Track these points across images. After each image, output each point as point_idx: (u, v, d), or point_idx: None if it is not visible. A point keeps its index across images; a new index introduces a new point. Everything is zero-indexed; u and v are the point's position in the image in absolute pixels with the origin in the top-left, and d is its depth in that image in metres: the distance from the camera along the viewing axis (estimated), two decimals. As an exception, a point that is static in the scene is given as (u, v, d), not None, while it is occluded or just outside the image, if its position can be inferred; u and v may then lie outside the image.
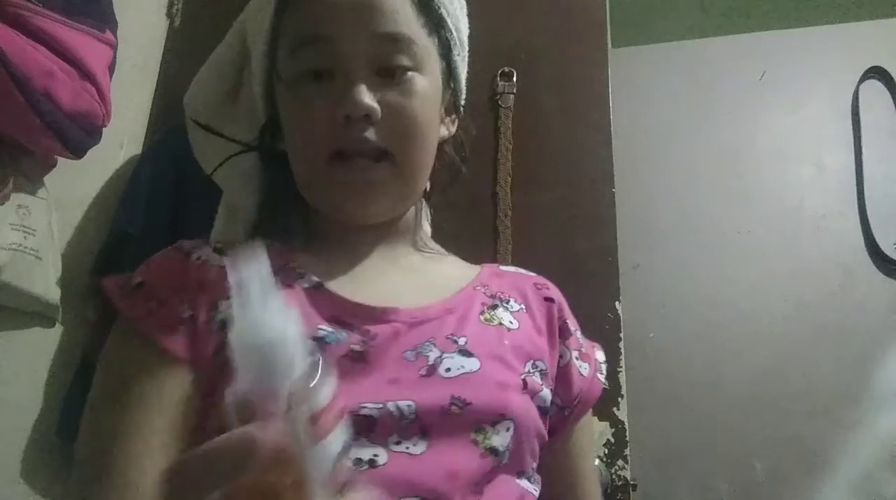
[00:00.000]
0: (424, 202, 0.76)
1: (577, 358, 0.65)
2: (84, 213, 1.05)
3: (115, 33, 0.91)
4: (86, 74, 0.83)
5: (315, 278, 0.62)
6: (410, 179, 0.65)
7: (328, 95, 0.61)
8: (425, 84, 0.64)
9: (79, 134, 0.85)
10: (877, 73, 1.49)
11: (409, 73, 0.62)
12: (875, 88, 1.50)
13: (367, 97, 0.60)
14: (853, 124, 1.48)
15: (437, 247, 0.75)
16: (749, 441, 1.29)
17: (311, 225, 0.70)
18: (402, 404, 0.53)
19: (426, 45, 0.64)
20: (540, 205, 1.05)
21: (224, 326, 0.56)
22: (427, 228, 0.77)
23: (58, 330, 0.99)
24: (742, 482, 1.28)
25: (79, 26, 0.83)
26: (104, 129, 0.90)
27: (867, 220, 1.40)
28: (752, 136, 1.53)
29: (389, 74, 0.62)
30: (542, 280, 0.71)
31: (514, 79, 1.11)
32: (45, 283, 0.92)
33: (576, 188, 1.05)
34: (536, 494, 0.58)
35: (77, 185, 1.03)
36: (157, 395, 0.54)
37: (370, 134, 0.60)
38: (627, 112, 1.29)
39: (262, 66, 0.69)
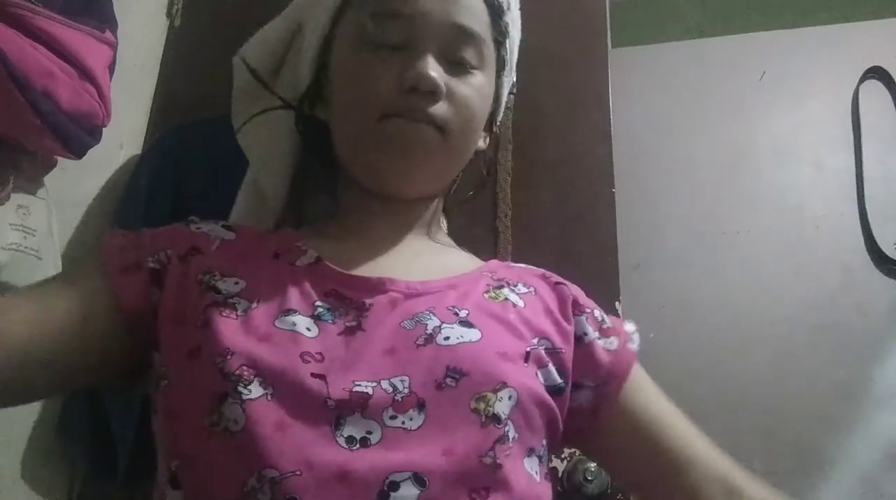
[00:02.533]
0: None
1: (598, 338, 0.65)
2: (84, 213, 1.05)
3: (115, 33, 0.91)
4: (86, 74, 0.83)
5: (314, 254, 0.63)
6: (453, 159, 0.67)
7: (396, 62, 0.62)
8: (486, 85, 0.67)
9: (79, 134, 0.85)
10: (877, 73, 1.49)
11: (475, 70, 0.65)
12: (875, 88, 1.50)
13: (438, 74, 0.62)
14: (853, 124, 1.48)
15: (450, 241, 0.75)
16: (749, 441, 1.29)
17: (339, 200, 0.71)
18: (396, 380, 0.53)
19: (492, 53, 0.68)
20: (540, 205, 1.05)
21: (216, 291, 0.58)
22: (443, 224, 0.78)
23: (58, 330, 0.99)
24: (742, 482, 1.28)
25: (79, 26, 0.83)
26: (104, 129, 0.90)
27: (867, 220, 1.40)
28: (752, 136, 1.52)
29: (458, 64, 0.64)
30: (551, 274, 0.71)
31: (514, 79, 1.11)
32: (45, 283, 0.91)
33: (576, 188, 1.05)
34: (541, 473, 0.57)
35: (77, 185, 1.03)
36: (67, 290, 0.58)
37: (431, 109, 0.62)
38: (627, 112, 1.29)
39: (322, 31, 0.70)
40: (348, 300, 0.58)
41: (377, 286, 0.59)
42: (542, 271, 0.71)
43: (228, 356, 0.52)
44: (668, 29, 1.74)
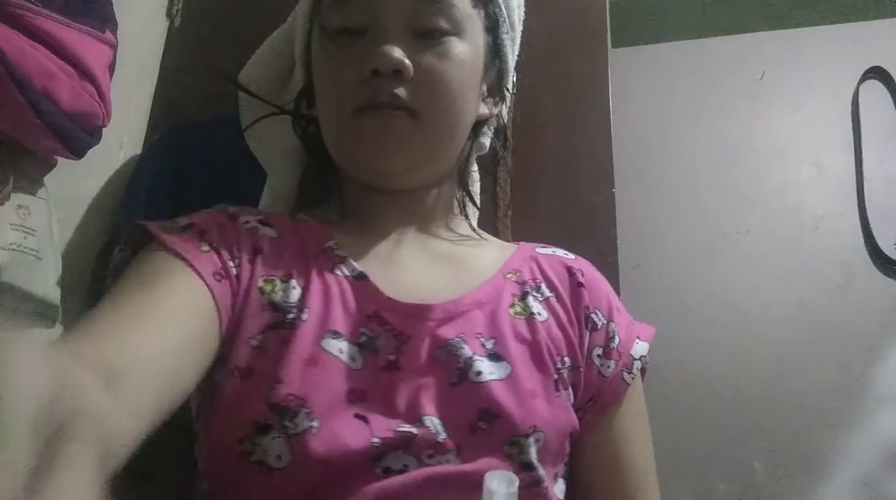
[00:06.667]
0: (474, 179, 0.77)
1: (599, 355, 0.64)
2: (84, 213, 1.05)
3: (115, 33, 0.91)
4: (86, 74, 0.83)
5: (357, 267, 0.61)
6: (434, 140, 0.64)
7: (359, 49, 0.61)
8: (464, 50, 0.63)
9: (79, 134, 0.85)
10: (877, 73, 1.49)
11: (447, 37, 0.62)
12: (875, 88, 1.50)
13: (398, 52, 0.60)
14: (853, 124, 1.48)
15: (468, 230, 0.74)
16: (749, 441, 1.29)
17: (344, 197, 0.71)
18: (435, 421, 0.53)
19: (469, 12, 0.64)
20: (540, 205, 1.05)
21: (275, 308, 0.56)
22: (473, 213, 0.78)
23: (58, 330, 0.99)
24: (742, 483, 1.27)
25: (79, 26, 0.83)
26: (104, 129, 0.90)
27: (867, 220, 1.40)
28: (752, 136, 1.52)
29: (427, 36, 0.62)
30: (578, 264, 0.69)
31: (514, 79, 1.11)
32: (45, 283, 0.92)
33: (575, 188, 1.05)
34: (565, 490, 0.58)
35: (77, 185, 1.03)
36: (176, 293, 0.52)
37: (400, 91, 0.60)
38: (627, 112, 1.29)
39: (303, 29, 0.70)
40: (389, 327, 0.57)
41: (416, 314, 0.59)
42: (570, 261, 0.70)
43: (277, 384, 0.51)
44: (668, 29, 1.73)
